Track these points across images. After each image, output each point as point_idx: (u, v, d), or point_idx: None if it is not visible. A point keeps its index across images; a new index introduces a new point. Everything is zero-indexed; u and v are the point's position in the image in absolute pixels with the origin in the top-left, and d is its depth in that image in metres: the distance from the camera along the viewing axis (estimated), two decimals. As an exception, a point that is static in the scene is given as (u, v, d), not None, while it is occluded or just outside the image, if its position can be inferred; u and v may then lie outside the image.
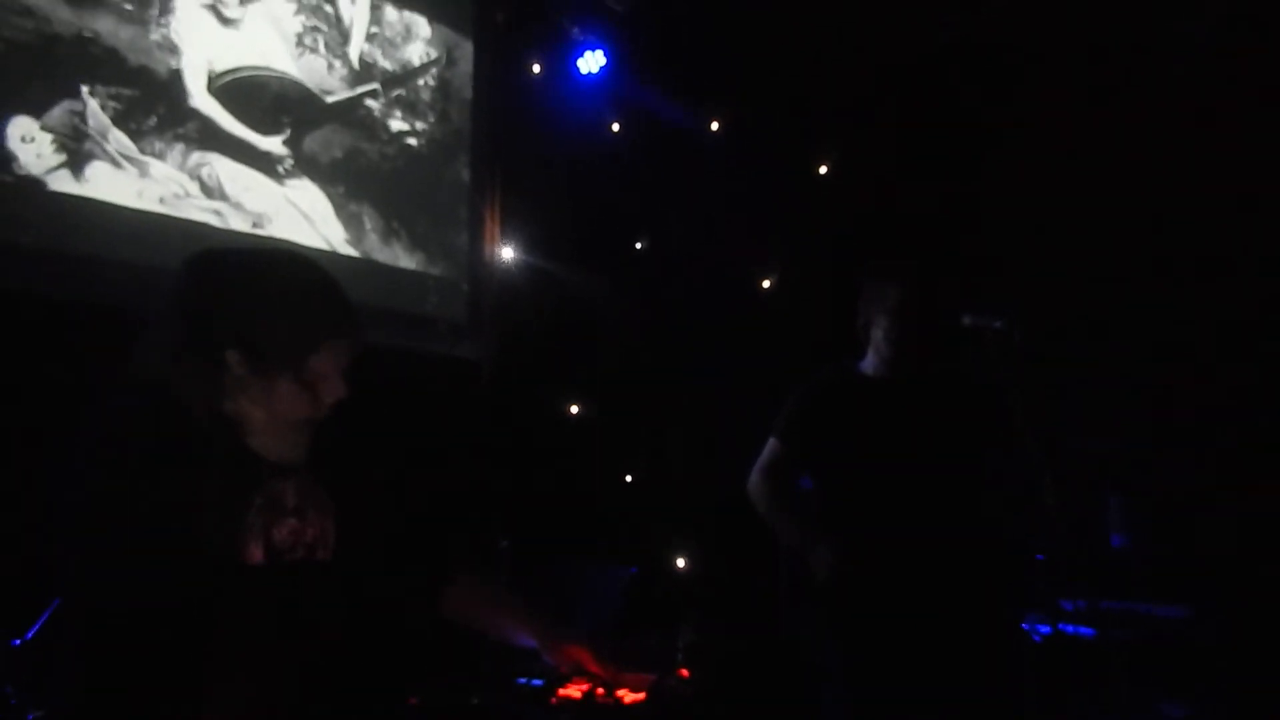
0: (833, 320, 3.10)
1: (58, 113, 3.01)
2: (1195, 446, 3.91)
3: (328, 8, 3.85)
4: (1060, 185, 4.30)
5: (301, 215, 3.68)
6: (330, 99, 3.82)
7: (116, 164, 3.13)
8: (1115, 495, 3.94)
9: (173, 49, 3.31)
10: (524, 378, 4.37)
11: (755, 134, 5.12)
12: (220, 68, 3.44)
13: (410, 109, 4.16)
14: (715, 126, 5.22)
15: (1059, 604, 3.13)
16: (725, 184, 5.03)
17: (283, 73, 3.65)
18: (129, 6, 3.20)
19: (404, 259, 4.07)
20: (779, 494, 2.70)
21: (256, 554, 1.38)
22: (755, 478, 2.74)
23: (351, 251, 3.85)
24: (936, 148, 4.75)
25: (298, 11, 3.73)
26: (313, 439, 1.49)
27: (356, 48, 3.95)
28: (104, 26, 3.13)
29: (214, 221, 3.37)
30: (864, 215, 4.84)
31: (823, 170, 5.25)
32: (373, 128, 3.99)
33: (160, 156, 3.25)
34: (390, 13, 4.12)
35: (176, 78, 3.31)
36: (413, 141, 4.16)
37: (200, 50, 3.38)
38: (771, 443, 2.75)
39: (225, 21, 3.47)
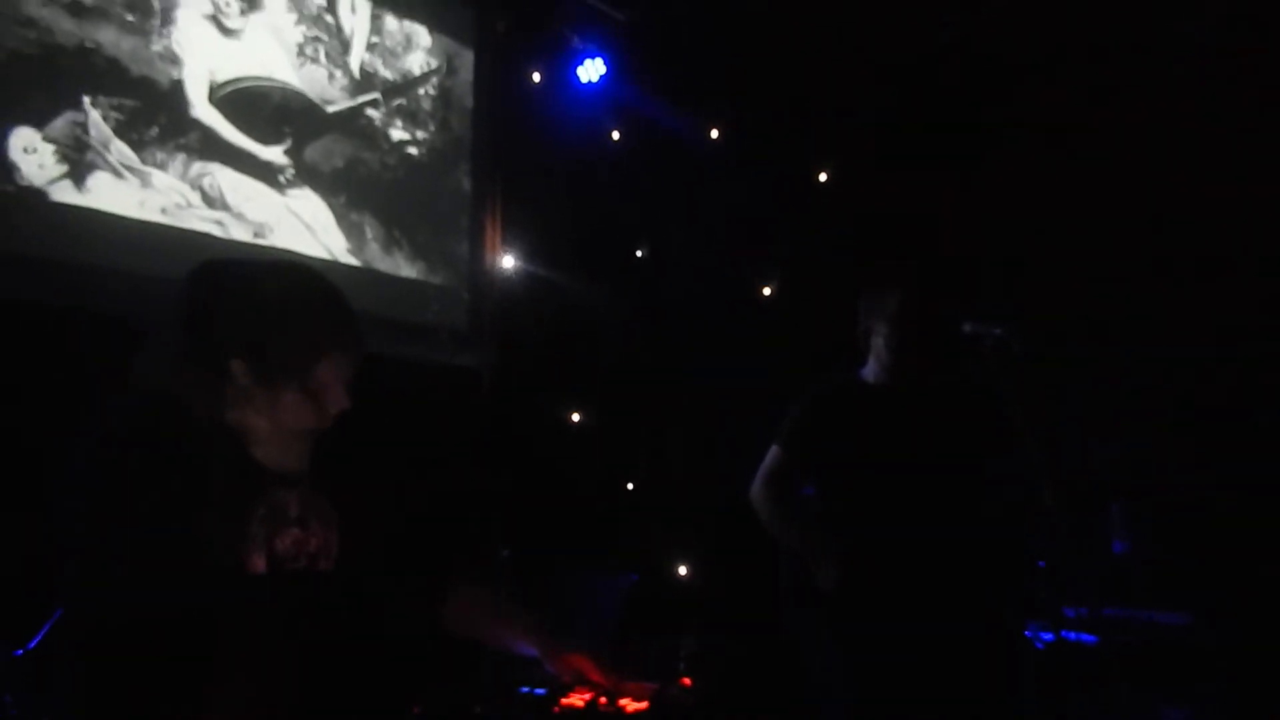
0: (833, 328, 3.10)
1: (60, 123, 3.02)
2: (1196, 452, 3.91)
3: (328, 18, 3.87)
4: (1060, 190, 4.31)
5: (303, 225, 3.69)
6: (331, 109, 3.84)
7: (118, 174, 3.14)
8: (1116, 502, 3.94)
9: (174, 59, 3.32)
10: (525, 386, 4.38)
11: (755, 141, 5.14)
12: (222, 78, 3.45)
13: (411, 118, 4.18)
14: (715, 134, 5.24)
15: (1061, 611, 3.12)
16: (725, 192, 5.04)
17: (284, 83, 3.67)
18: (131, 18, 3.22)
19: (405, 268, 4.08)
20: (782, 502, 2.70)
21: (259, 564, 1.38)
22: (758, 486, 2.74)
23: (353, 261, 3.86)
24: (936, 155, 4.76)
25: (299, 22, 3.75)
26: (315, 449, 1.50)
27: (357, 57, 3.97)
28: (106, 37, 3.14)
29: (216, 231, 3.37)
30: (864, 222, 4.85)
31: (822, 178, 5.26)
32: (374, 137, 4.01)
33: (162, 167, 3.26)
34: (391, 22, 4.13)
35: (178, 88, 3.33)
36: (413, 151, 4.18)
37: (202, 61, 3.39)
38: (774, 450, 2.76)
39: (226, 32, 3.49)
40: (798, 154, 5.18)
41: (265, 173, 3.57)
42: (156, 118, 3.26)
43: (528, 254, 4.52)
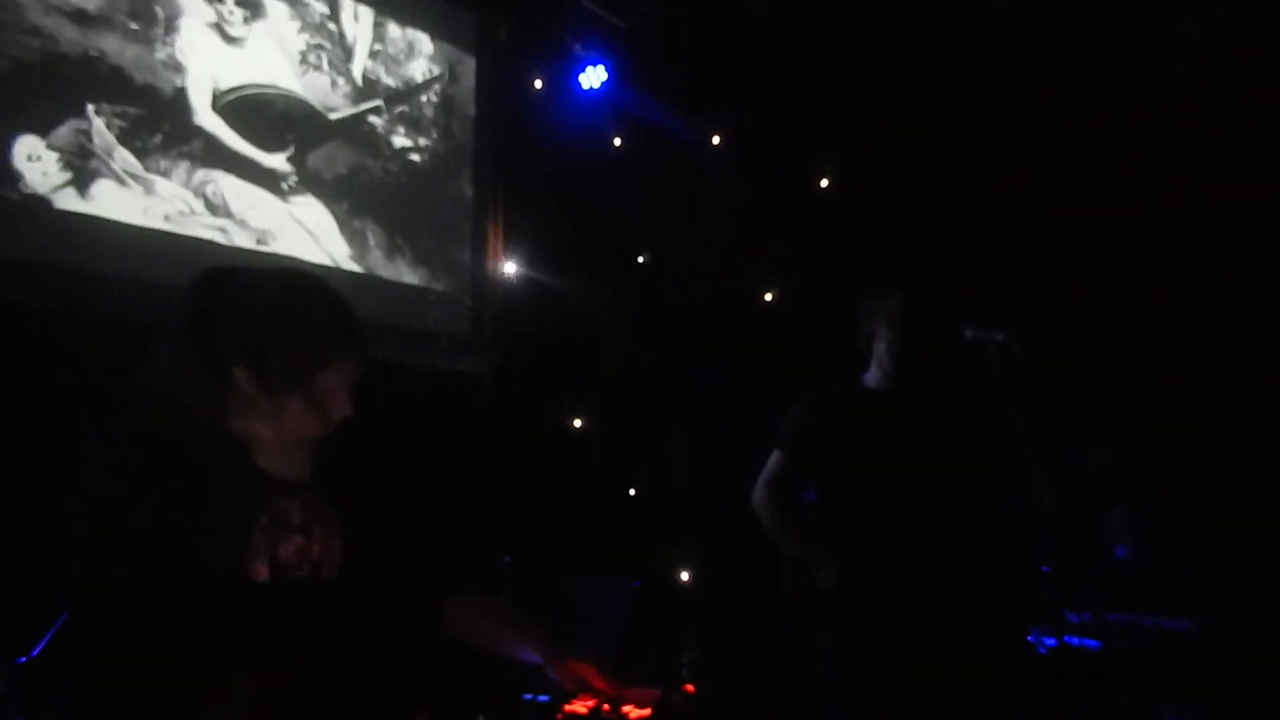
0: (834, 332, 3.11)
1: (64, 131, 3.03)
2: (1199, 457, 3.91)
3: (331, 26, 3.88)
4: (1060, 194, 4.31)
5: (306, 232, 3.70)
6: (334, 116, 3.85)
7: (122, 182, 3.15)
8: (1119, 507, 3.94)
9: (178, 67, 3.33)
10: (527, 391, 4.38)
11: (756, 147, 5.14)
12: (225, 86, 3.46)
13: (413, 125, 4.19)
14: (716, 140, 5.25)
15: (1064, 616, 3.12)
16: (726, 197, 5.05)
17: (287, 90, 3.68)
18: (134, 26, 3.23)
19: (407, 274, 4.09)
20: (783, 507, 2.70)
21: (262, 571, 1.39)
22: (759, 491, 2.74)
23: (355, 267, 3.86)
24: (937, 159, 4.77)
25: (301, 30, 3.76)
26: (317, 456, 1.50)
27: (360, 65, 3.98)
28: (110, 46, 3.16)
29: (218, 239, 3.38)
30: (865, 227, 4.85)
31: (823, 183, 5.27)
32: (376, 144, 4.02)
33: (165, 174, 3.27)
34: (393, 30, 4.15)
35: (181, 96, 3.34)
36: (416, 157, 4.19)
37: (205, 68, 3.41)
38: (775, 455, 2.76)
39: (230, 40, 3.50)
40: (798, 159, 5.19)
41: (268, 180, 3.58)
42: (160, 125, 3.27)
43: (529, 260, 4.53)
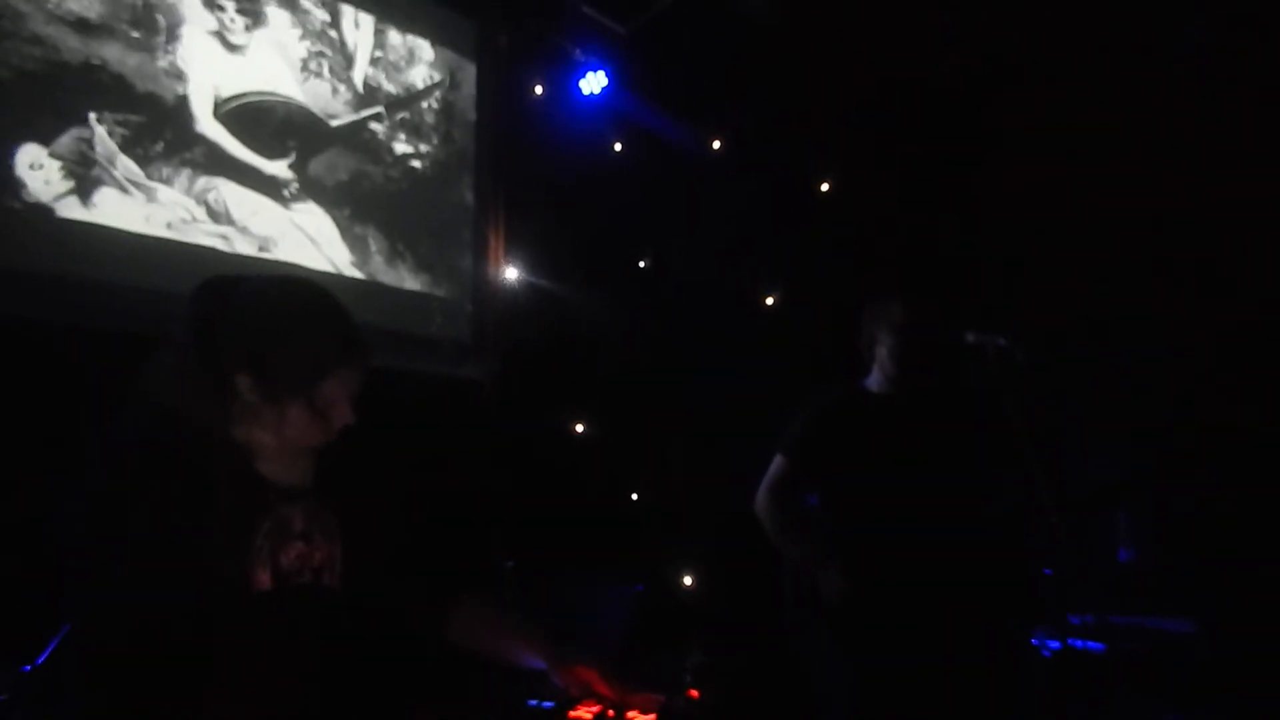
0: (836, 337, 3.11)
1: (66, 140, 3.03)
2: (1202, 459, 3.91)
3: (332, 33, 3.89)
4: (1061, 198, 4.32)
5: (307, 238, 3.70)
6: (335, 123, 3.86)
7: (124, 190, 3.16)
8: (1122, 510, 3.93)
9: (179, 75, 3.34)
10: (528, 397, 4.38)
11: (757, 152, 5.15)
12: (226, 93, 3.47)
13: (414, 131, 4.20)
14: (716, 145, 5.25)
15: (1067, 618, 3.12)
16: (727, 202, 5.05)
17: (288, 97, 3.69)
18: (136, 34, 3.24)
19: (409, 281, 4.09)
20: (786, 513, 2.70)
21: (264, 578, 1.39)
22: (762, 496, 2.75)
23: (357, 274, 3.87)
24: (938, 164, 4.77)
25: (303, 37, 3.77)
26: (319, 463, 1.50)
27: (360, 72, 3.99)
28: (111, 54, 3.16)
29: (221, 246, 3.39)
30: (867, 232, 4.86)
31: (824, 188, 5.27)
32: (377, 150, 4.03)
33: (167, 182, 3.27)
34: (394, 37, 4.16)
35: (183, 104, 3.35)
36: (417, 164, 4.20)
37: (206, 76, 3.42)
38: (778, 460, 2.76)
39: (231, 48, 3.51)
40: (800, 164, 5.20)
41: (270, 187, 3.58)
42: (162, 133, 3.27)
43: (530, 265, 4.53)
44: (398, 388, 3.35)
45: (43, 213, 2.97)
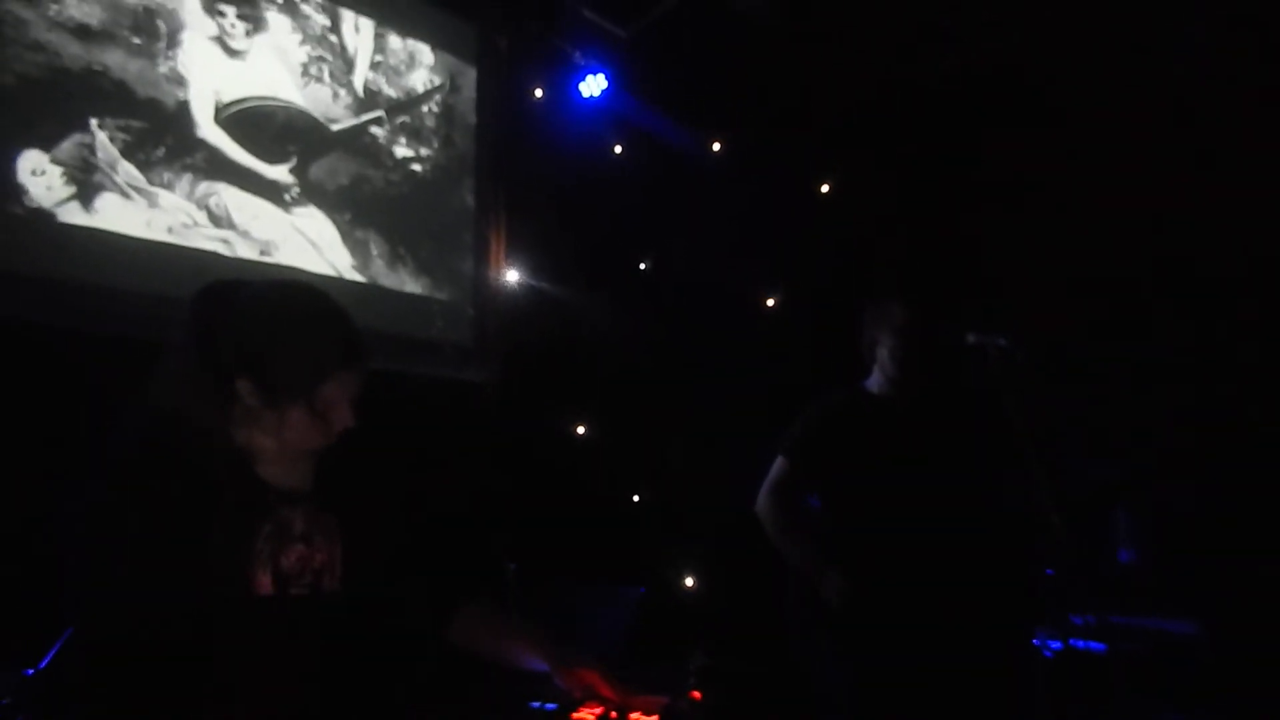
0: (837, 339, 3.11)
1: (67, 145, 3.04)
2: (1202, 460, 3.91)
3: (332, 37, 3.90)
4: (1062, 199, 4.32)
5: (308, 242, 3.71)
6: (336, 127, 3.87)
7: (125, 195, 3.17)
8: (1122, 510, 3.93)
9: (180, 81, 3.35)
10: (530, 400, 4.39)
11: (757, 154, 5.15)
12: (227, 98, 3.48)
13: (415, 135, 4.20)
14: (717, 147, 5.26)
15: (1069, 619, 3.12)
16: (728, 204, 5.06)
17: (289, 102, 3.70)
18: (137, 40, 3.25)
19: (410, 284, 4.10)
20: (787, 514, 2.71)
21: (265, 580, 1.40)
22: (763, 498, 2.75)
23: (358, 277, 3.88)
24: (938, 165, 4.78)
25: (303, 42, 3.78)
26: (319, 466, 1.51)
27: (361, 76, 4.00)
28: (113, 60, 3.17)
29: (222, 250, 3.39)
30: (867, 234, 4.86)
31: (825, 189, 5.28)
32: (378, 154, 4.03)
33: (169, 187, 3.28)
34: (394, 41, 4.17)
35: (184, 109, 3.36)
36: (417, 167, 4.20)
37: (207, 81, 3.42)
38: (779, 462, 2.76)
39: (232, 53, 3.52)
40: (800, 166, 5.20)
41: (271, 191, 3.59)
42: (163, 138, 3.28)
43: (531, 268, 4.54)
44: (399, 391, 3.35)
45: (44, 218, 2.98)
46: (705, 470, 4.76)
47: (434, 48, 4.34)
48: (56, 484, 1.50)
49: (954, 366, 2.66)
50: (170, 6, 3.34)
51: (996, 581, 2.62)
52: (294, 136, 3.69)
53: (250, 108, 3.55)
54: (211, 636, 1.29)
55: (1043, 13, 4.24)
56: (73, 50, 3.08)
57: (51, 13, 3.03)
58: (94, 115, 3.11)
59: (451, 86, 4.41)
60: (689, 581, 4.75)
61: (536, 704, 1.51)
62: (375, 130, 4.03)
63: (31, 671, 2.15)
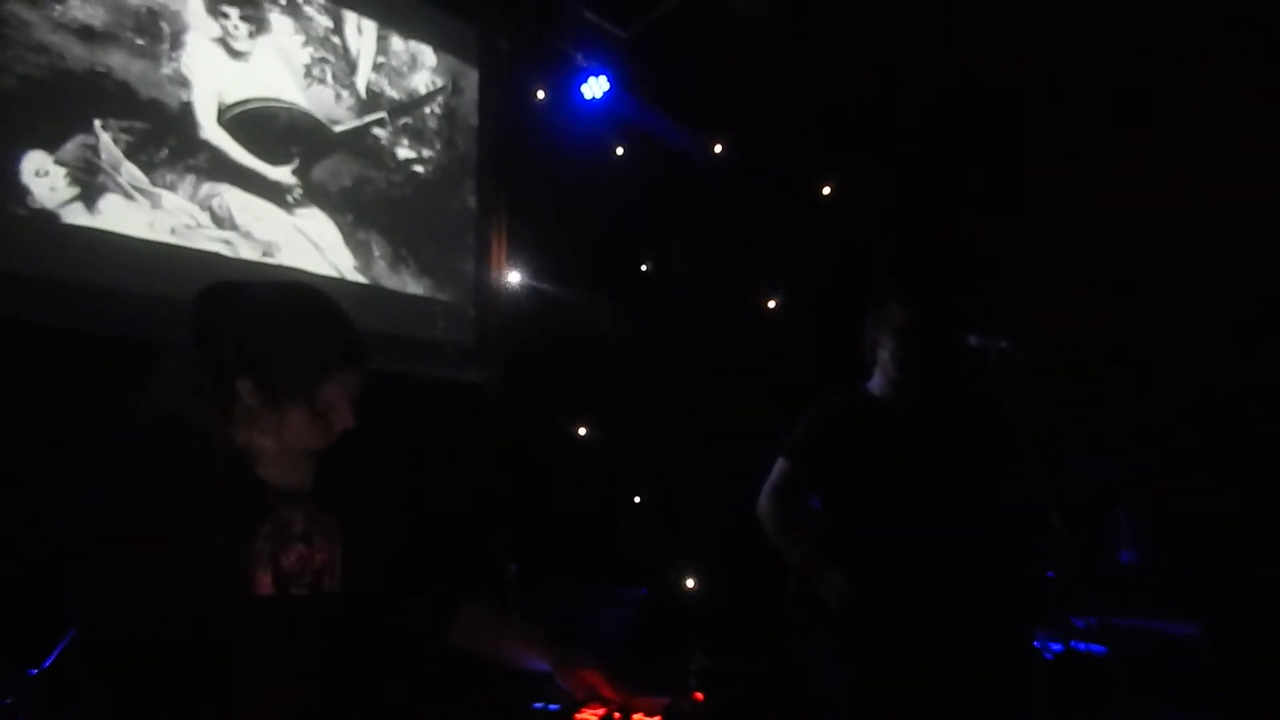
0: (838, 340, 3.12)
1: (71, 147, 3.05)
2: (1203, 461, 3.91)
3: (335, 39, 3.91)
4: (1062, 201, 4.32)
5: (311, 243, 3.72)
6: (338, 128, 3.87)
7: (129, 196, 3.17)
8: (1124, 512, 3.93)
9: (183, 82, 3.36)
10: (531, 401, 4.39)
11: (758, 155, 5.16)
12: (230, 99, 3.49)
13: (417, 137, 4.21)
14: (718, 148, 5.26)
15: (1070, 621, 3.12)
16: (729, 205, 5.06)
17: (291, 103, 3.71)
18: (141, 42, 3.26)
19: (412, 285, 4.11)
20: (788, 515, 2.71)
21: (265, 580, 1.40)
22: (764, 499, 2.75)
23: (360, 278, 3.88)
24: (939, 166, 4.78)
25: (306, 43, 3.79)
26: (322, 465, 1.51)
27: (363, 77, 4.01)
28: (116, 61, 3.18)
29: (224, 251, 3.40)
30: (869, 236, 4.86)
31: (826, 191, 5.28)
32: (380, 156, 4.04)
33: (171, 188, 3.29)
34: (396, 43, 4.17)
35: (187, 110, 3.36)
36: (419, 169, 4.21)
37: (211, 83, 3.43)
38: (780, 463, 2.77)
39: (235, 54, 3.53)
40: (802, 167, 5.20)
41: (273, 192, 3.60)
42: (166, 139, 3.29)
43: (533, 269, 4.55)
44: (401, 391, 3.36)
45: (48, 219, 2.99)
46: (705, 471, 4.76)
47: (436, 49, 4.34)
48: (58, 484, 1.51)
49: (955, 368, 2.66)
50: (173, 8, 3.35)
51: (997, 582, 2.62)
52: (296, 138, 3.70)
53: (253, 109, 3.56)
54: (212, 636, 1.29)
55: (1043, 13, 4.24)
56: (76, 51, 3.08)
57: (55, 14, 3.04)
58: (97, 116, 3.11)
59: (454, 88, 4.41)
60: (689, 582, 4.76)
61: (539, 705, 1.51)
62: (377, 132, 4.04)
63: (35, 671, 2.15)
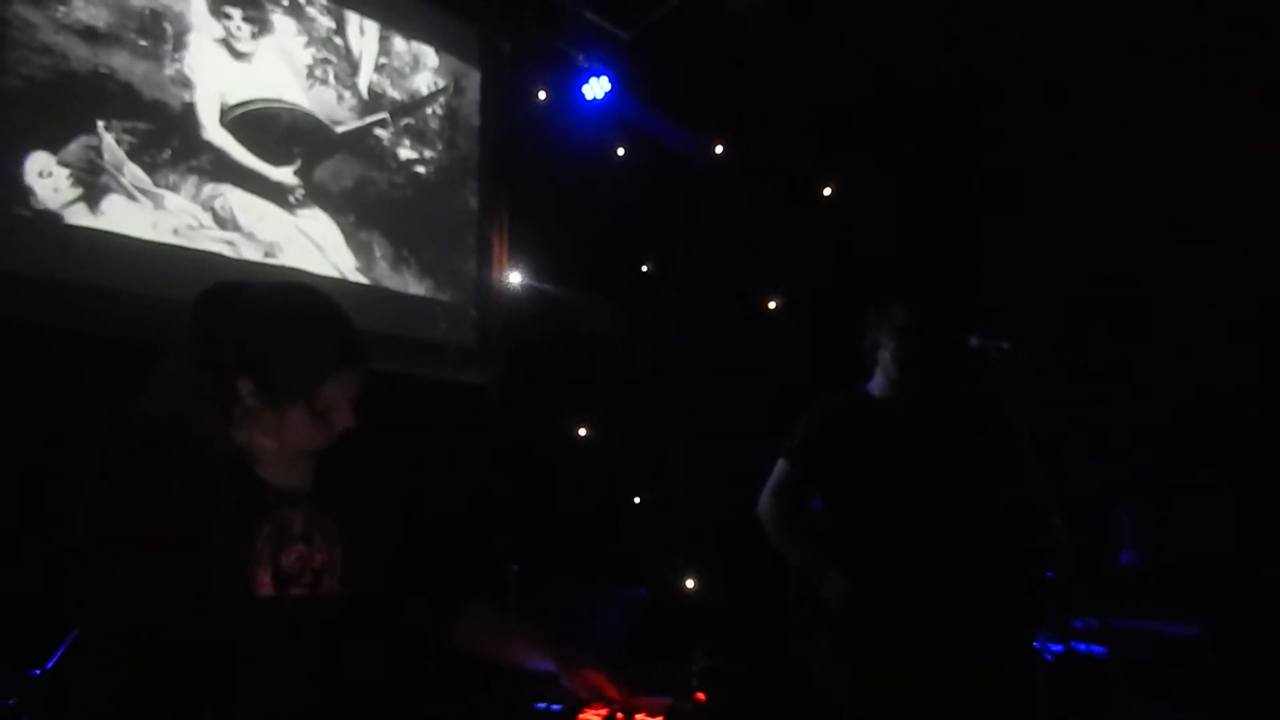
0: (838, 341, 3.12)
1: (74, 148, 3.06)
2: (1202, 461, 3.91)
3: (337, 40, 3.91)
4: (1063, 201, 4.33)
5: (313, 244, 3.72)
6: (340, 129, 3.88)
7: (131, 197, 3.18)
8: (1124, 513, 3.94)
9: (186, 83, 3.36)
10: (532, 401, 4.40)
11: (759, 156, 5.16)
12: (233, 100, 3.49)
13: (419, 137, 4.22)
14: (719, 149, 5.27)
15: (1070, 622, 3.12)
16: (729, 206, 5.07)
17: (294, 104, 3.71)
18: (144, 43, 3.26)
19: (413, 286, 4.11)
20: (788, 516, 2.71)
21: (265, 580, 1.40)
22: (765, 500, 2.76)
23: (362, 279, 3.89)
24: (939, 166, 4.78)
25: (308, 44, 3.80)
26: (319, 466, 1.52)
27: (365, 78, 4.01)
28: (119, 63, 3.19)
29: (227, 252, 3.41)
30: (869, 236, 4.86)
31: (827, 192, 5.29)
32: (382, 157, 4.05)
33: (174, 189, 3.30)
34: (398, 43, 4.18)
35: (190, 111, 3.37)
36: (421, 170, 4.22)
37: (213, 84, 3.44)
38: (781, 464, 2.77)
39: (237, 55, 3.53)
40: (802, 168, 5.21)
41: (275, 193, 3.60)
42: (169, 140, 3.30)
43: (534, 270, 4.55)
44: (402, 392, 3.36)
45: (51, 219, 2.99)
46: (706, 471, 4.76)
47: (438, 50, 4.35)
48: (59, 484, 1.51)
49: (955, 368, 2.66)
50: (176, 9, 3.35)
51: (997, 582, 2.62)
52: (299, 139, 3.71)
53: (255, 110, 3.56)
54: (212, 637, 1.29)
55: (1043, 13, 4.25)
56: (79, 53, 3.09)
57: (59, 15, 3.04)
58: (100, 117, 3.12)
59: (455, 89, 4.42)
60: (689, 582, 4.76)
61: (542, 705, 1.52)
62: (379, 132, 4.05)
63: (38, 672, 2.16)
